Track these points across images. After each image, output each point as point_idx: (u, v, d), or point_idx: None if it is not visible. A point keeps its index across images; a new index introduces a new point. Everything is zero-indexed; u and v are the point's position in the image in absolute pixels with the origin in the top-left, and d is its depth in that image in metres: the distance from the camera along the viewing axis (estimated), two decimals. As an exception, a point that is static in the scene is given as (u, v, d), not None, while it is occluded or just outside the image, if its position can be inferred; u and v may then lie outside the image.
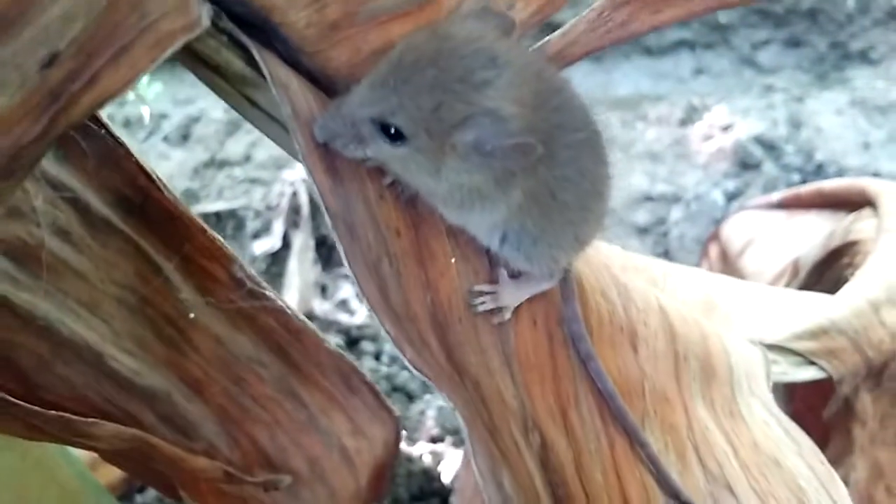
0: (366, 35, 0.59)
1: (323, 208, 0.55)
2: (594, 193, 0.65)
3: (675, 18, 0.74)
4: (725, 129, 2.73)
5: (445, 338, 0.60)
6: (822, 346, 1.01)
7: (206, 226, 0.76)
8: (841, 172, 2.55)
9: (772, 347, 0.96)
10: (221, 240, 0.77)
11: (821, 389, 1.10)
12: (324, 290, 2.44)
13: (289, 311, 0.87)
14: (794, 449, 0.79)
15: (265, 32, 0.55)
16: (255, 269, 2.60)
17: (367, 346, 2.23)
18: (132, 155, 0.70)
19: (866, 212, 1.47)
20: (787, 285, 1.57)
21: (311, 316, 2.29)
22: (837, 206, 1.64)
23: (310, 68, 0.58)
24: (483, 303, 0.64)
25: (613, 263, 0.77)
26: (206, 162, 2.84)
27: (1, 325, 0.65)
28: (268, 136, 0.62)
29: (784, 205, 1.84)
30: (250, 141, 2.85)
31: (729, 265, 1.86)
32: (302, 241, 2.52)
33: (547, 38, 0.74)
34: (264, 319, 0.87)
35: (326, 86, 0.59)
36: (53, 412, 0.68)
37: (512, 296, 0.66)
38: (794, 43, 3.10)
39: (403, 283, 0.58)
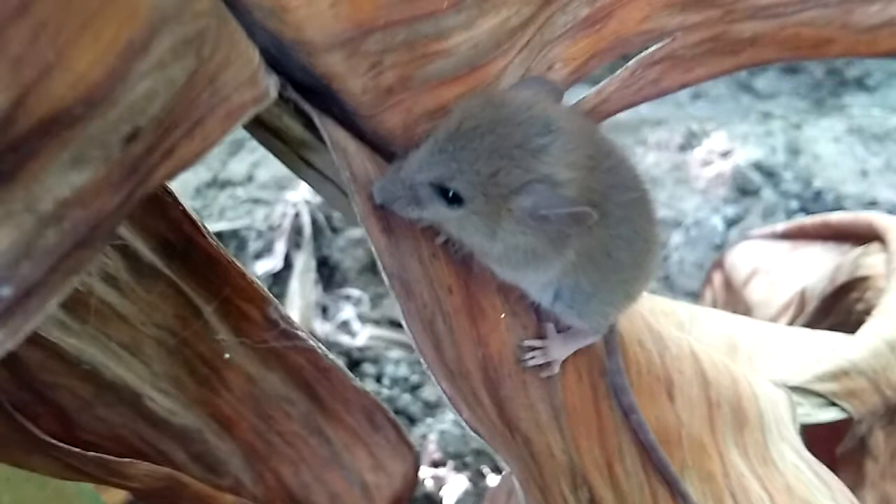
0: (418, 98, 0.59)
1: (380, 268, 0.55)
2: (646, 251, 0.66)
3: (705, 77, 0.76)
4: (724, 154, 2.75)
5: (497, 393, 0.60)
6: (843, 387, 1.01)
7: (243, 269, 0.76)
8: (839, 200, 2.58)
9: (795, 389, 0.97)
10: (254, 279, 0.77)
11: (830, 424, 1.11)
12: (325, 311, 2.43)
13: (319, 350, 0.87)
14: (827, 493, 0.79)
15: (324, 98, 0.56)
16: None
17: (368, 368, 2.23)
18: (178, 202, 0.70)
19: (874, 246, 1.48)
20: (794, 317, 1.58)
21: (311, 337, 2.28)
22: (843, 239, 1.65)
23: (364, 130, 0.59)
24: (532, 357, 0.65)
25: (644, 308, 0.77)
26: (209, 181, 2.84)
27: (50, 370, 0.64)
28: (321, 195, 0.63)
29: (788, 236, 1.84)
30: (253, 161, 2.84)
31: (733, 294, 1.86)
32: (304, 262, 2.51)
33: (582, 96, 0.75)
34: (294, 358, 0.87)
35: (379, 147, 0.60)
36: (92, 453, 0.67)
37: (560, 350, 0.67)
38: (790, 69, 3.14)
39: (456, 339, 0.58)
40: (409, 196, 0.58)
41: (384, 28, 0.54)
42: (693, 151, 2.79)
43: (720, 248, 2.39)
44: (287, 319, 0.83)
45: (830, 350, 1.05)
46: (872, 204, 2.61)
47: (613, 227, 0.62)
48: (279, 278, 2.49)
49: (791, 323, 1.58)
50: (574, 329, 0.68)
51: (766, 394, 0.85)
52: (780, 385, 0.94)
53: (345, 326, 2.41)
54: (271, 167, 2.78)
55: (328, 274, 2.54)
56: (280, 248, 2.60)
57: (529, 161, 0.57)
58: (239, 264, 0.77)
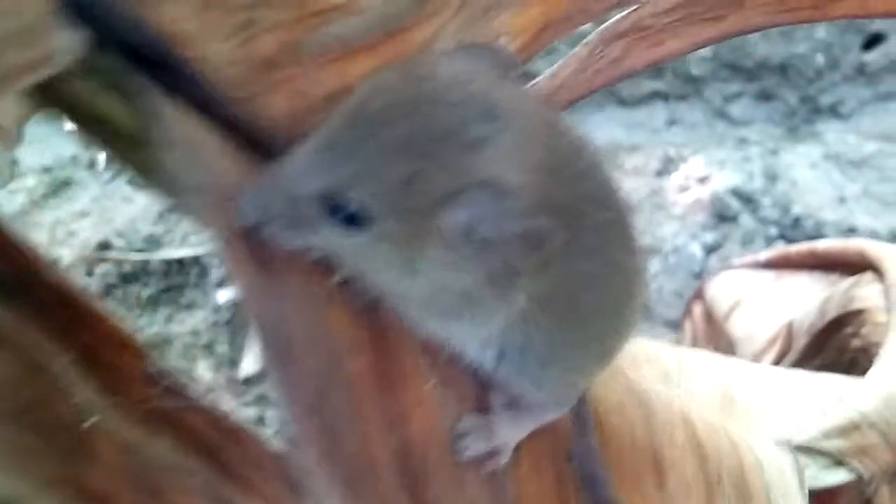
0: (315, 76, 0.41)
1: (248, 316, 0.36)
2: (626, 293, 0.47)
3: (677, 52, 0.59)
4: (702, 180, 2.65)
5: (420, 494, 0.41)
6: (853, 444, 0.84)
7: (107, 312, 0.57)
8: (818, 226, 2.48)
9: (800, 448, 0.79)
10: (129, 330, 0.58)
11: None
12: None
13: (218, 411, 0.68)
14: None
15: (170, 72, 0.37)
16: (218, 318, 2.41)
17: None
18: (5, 230, 0.52)
19: (868, 276, 1.35)
20: (782, 353, 1.44)
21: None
22: (831, 268, 1.52)
23: (234, 122, 0.40)
24: (472, 443, 0.45)
25: (624, 357, 0.59)
26: (172, 206, 2.66)
27: None
28: (185, 214, 0.44)
29: (772, 265, 1.72)
30: (217, 185, 2.67)
31: (715, 328, 1.73)
32: (268, 291, 2.32)
33: (533, 81, 0.57)
34: (190, 420, 0.68)
35: (259, 146, 0.41)
36: None
37: (510, 431, 0.47)
38: (765, 97, 3.05)
39: (361, 420, 0.39)
40: (289, 215, 0.39)
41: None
42: (670, 177, 2.69)
43: (699, 275, 2.27)
44: (170, 374, 0.64)
45: (836, 400, 0.87)
46: (851, 230, 2.54)
47: (581, 260, 0.43)
48: (242, 307, 2.31)
49: (779, 359, 1.45)
50: (529, 402, 0.48)
51: (770, 460, 0.67)
52: (784, 444, 0.76)
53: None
54: (236, 192, 2.60)
55: (293, 303, 2.35)
56: (243, 276, 2.40)
57: (464, 159, 0.38)
58: (100, 305, 0.58)
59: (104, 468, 0.65)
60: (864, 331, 1.27)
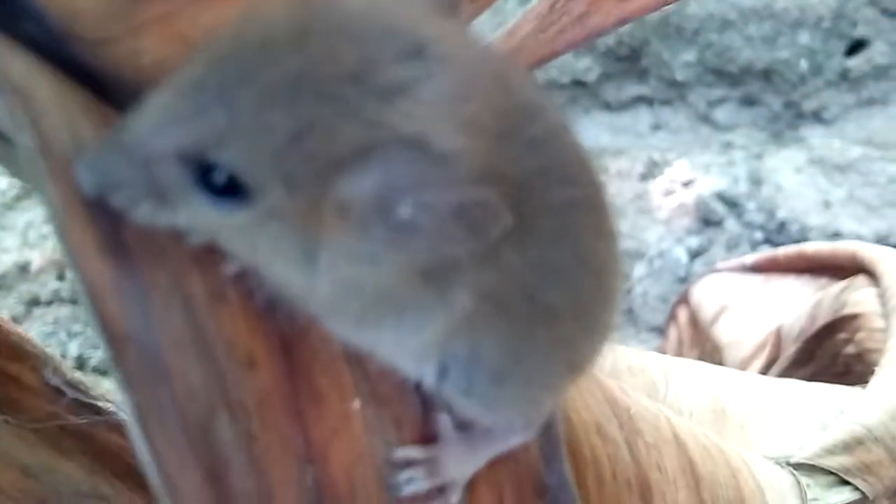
0: (197, 12, 0.30)
1: (95, 322, 0.26)
2: (598, 292, 0.36)
3: (648, 7, 0.49)
4: (686, 184, 2.60)
5: None
6: (857, 460, 0.75)
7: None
8: (803, 231, 2.43)
9: (800, 466, 0.69)
10: (24, 334, 0.48)
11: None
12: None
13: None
14: None
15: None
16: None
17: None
18: None
19: (860, 280, 1.27)
20: (770, 359, 1.37)
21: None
22: (820, 272, 1.45)
23: (93, 71, 0.30)
24: (411, 479, 0.35)
25: (604, 368, 0.48)
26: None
27: None
28: (21, 181, 0.33)
29: (759, 268, 1.65)
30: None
31: (700, 332, 1.66)
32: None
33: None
34: (105, 437, 0.57)
35: (118, 99, 0.30)
36: None
37: (462, 464, 0.37)
38: (748, 102, 3.01)
39: (260, 455, 0.29)
40: (142, 181, 0.28)
41: None
42: (655, 181, 2.64)
43: (684, 280, 2.21)
44: (78, 385, 0.53)
45: (837, 412, 0.78)
46: (836, 235, 2.51)
47: (539, 247, 0.33)
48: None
49: (767, 366, 1.38)
50: (486, 425, 0.38)
51: (771, 483, 0.58)
52: (784, 464, 0.66)
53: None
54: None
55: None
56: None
57: (375, 107, 0.28)
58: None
59: (3, 497, 0.55)
60: (858, 336, 1.19)
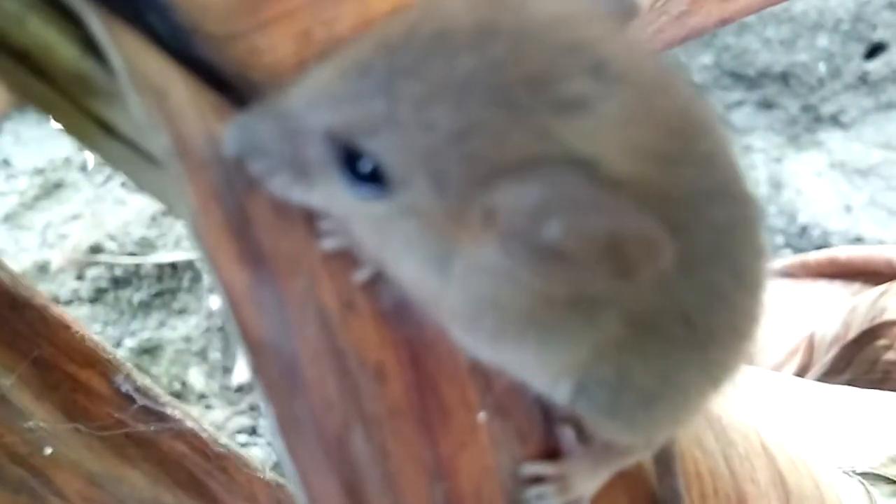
0: (328, 9, 0.29)
1: (236, 330, 0.25)
2: (752, 311, 0.35)
3: (752, 7, 0.49)
4: None
5: None
6: (919, 469, 0.74)
7: (70, 320, 0.46)
8: (825, 236, 2.42)
9: (865, 476, 0.68)
10: (97, 339, 0.47)
11: None
12: (285, 350, 2.17)
13: (204, 433, 0.57)
14: None
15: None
16: (211, 324, 2.31)
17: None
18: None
19: None
20: (804, 365, 1.36)
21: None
22: (853, 278, 1.44)
23: (219, 69, 0.29)
24: (542, 495, 0.34)
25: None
26: (166, 209, 2.58)
27: None
28: (140, 188, 0.32)
29: (790, 273, 1.63)
30: (213, 188, 2.59)
31: None
32: (263, 296, 2.24)
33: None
34: (168, 445, 0.57)
35: (245, 103, 0.29)
36: None
37: (588, 479, 0.36)
38: (766, 105, 3.00)
39: (394, 470, 0.28)
40: (287, 153, 0.28)
41: None
42: None
43: None
44: (147, 391, 0.53)
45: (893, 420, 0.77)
46: (858, 239, 2.49)
47: (702, 269, 0.32)
48: (228, 321, 2.24)
49: (801, 372, 1.37)
50: (611, 442, 0.37)
51: (848, 494, 0.56)
52: (851, 474, 0.65)
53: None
54: (232, 195, 2.53)
55: (289, 309, 2.26)
56: (238, 280, 2.32)
57: (551, 120, 0.27)
58: (66, 314, 0.47)
59: (65, 504, 0.54)
60: (899, 343, 1.19)
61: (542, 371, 0.34)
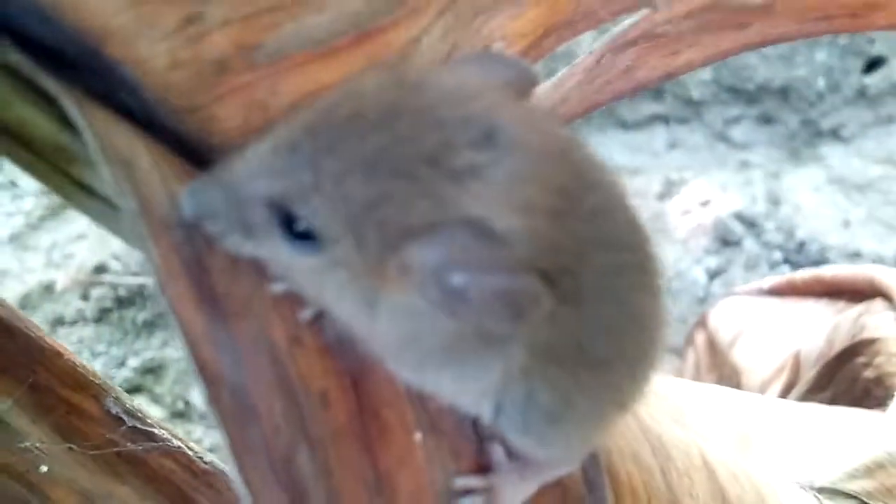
0: (275, 83, 0.35)
1: (193, 367, 0.30)
2: (644, 344, 0.40)
3: (696, 63, 0.53)
4: (704, 204, 2.60)
5: None
6: (879, 484, 0.77)
7: (62, 348, 0.50)
8: (823, 251, 2.43)
9: (823, 490, 0.72)
10: (85, 364, 0.52)
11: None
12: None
13: (191, 451, 0.61)
14: None
15: (97, 75, 0.31)
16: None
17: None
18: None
19: (878, 304, 1.29)
20: (789, 383, 1.38)
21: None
22: (838, 296, 1.47)
23: (178, 134, 0.34)
24: None
25: (638, 410, 0.52)
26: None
27: None
28: (123, 240, 0.37)
29: (777, 292, 1.66)
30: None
31: (718, 357, 1.67)
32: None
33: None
34: (158, 462, 0.61)
35: (207, 163, 0.34)
36: None
37: (515, 491, 0.41)
38: (765, 120, 3.02)
39: (337, 486, 0.33)
40: (234, 217, 0.34)
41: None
42: (672, 200, 2.64)
43: (703, 300, 2.21)
44: (135, 413, 0.57)
45: (859, 437, 0.80)
46: (856, 255, 2.50)
47: (591, 306, 0.37)
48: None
49: (786, 390, 1.39)
50: (535, 457, 0.42)
51: (793, 509, 0.60)
52: (808, 488, 0.69)
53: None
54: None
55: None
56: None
57: (447, 188, 0.32)
58: (55, 341, 0.52)
59: (62, 520, 0.59)
60: (877, 361, 1.21)
61: (464, 394, 0.39)
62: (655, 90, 2.87)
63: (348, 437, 0.35)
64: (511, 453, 0.42)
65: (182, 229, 0.31)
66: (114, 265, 2.28)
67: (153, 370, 2.10)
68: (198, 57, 0.32)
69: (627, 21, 0.50)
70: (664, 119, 2.99)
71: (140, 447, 0.59)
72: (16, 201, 2.46)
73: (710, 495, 0.50)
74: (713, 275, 2.35)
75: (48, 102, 0.31)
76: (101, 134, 0.30)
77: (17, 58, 0.29)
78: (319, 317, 0.37)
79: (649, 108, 2.94)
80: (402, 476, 0.37)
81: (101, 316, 2.12)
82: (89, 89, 0.31)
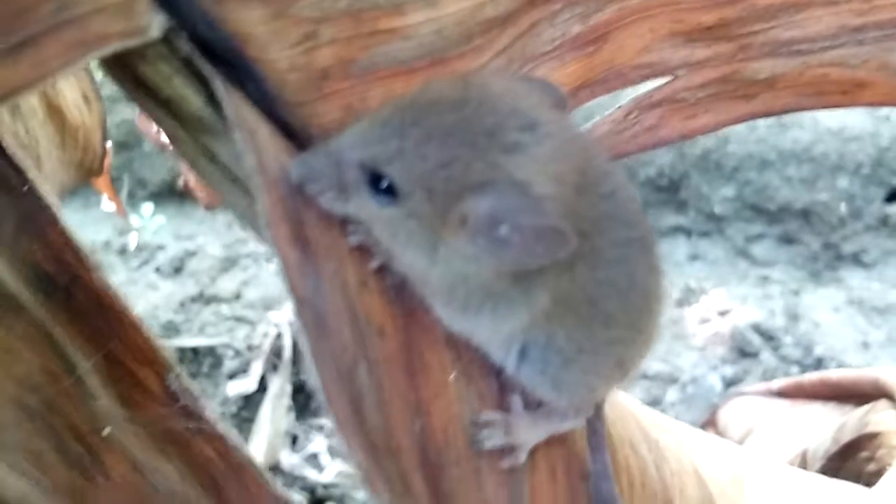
0: (363, 91, 0.46)
1: (288, 290, 0.39)
2: (644, 308, 0.50)
3: (711, 127, 0.63)
4: (723, 314, 2.64)
5: (437, 483, 0.43)
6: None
7: (140, 322, 0.59)
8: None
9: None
10: (159, 340, 0.60)
11: None
12: (294, 441, 2.25)
13: (229, 442, 0.68)
14: None
15: (236, 68, 0.42)
16: (226, 410, 2.38)
17: (331, 508, 2.02)
18: (59, 223, 0.55)
19: (882, 403, 1.34)
20: None
21: (276, 468, 2.06)
22: (845, 398, 1.51)
23: (289, 123, 0.45)
24: (490, 437, 0.47)
25: (638, 414, 0.60)
26: (195, 296, 2.72)
27: None
28: (228, 205, 0.48)
29: (785, 394, 1.70)
30: (243, 279, 2.75)
31: None
32: (279, 386, 2.34)
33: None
34: (200, 447, 0.68)
35: (305, 146, 0.46)
36: None
37: (528, 432, 0.49)
38: (787, 240, 3.08)
39: (385, 400, 0.41)
40: (333, 178, 0.44)
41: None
42: (690, 307, 2.69)
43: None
44: (191, 394, 0.65)
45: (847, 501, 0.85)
46: None
47: (603, 268, 0.47)
48: (251, 401, 2.32)
49: (794, 487, 1.41)
50: (548, 407, 0.51)
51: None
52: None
53: (313, 459, 2.21)
54: (261, 286, 2.67)
55: (303, 401, 2.36)
56: (256, 369, 2.44)
57: (499, 156, 0.42)
58: (134, 315, 0.61)
59: (111, 487, 0.66)
60: (879, 454, 1.25)
61: (495, 337, 0.49)
62: (678, 202, 2.96)
63: (397, 364, 0.44)
64: (527, 404, 0.50)
65: (287, 186, 0.42)
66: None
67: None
68: (309, 64, 0.43)
69: (653, 84, 0.60)
70: (686, 231, 3.05)
71: (189, 427, 0.66)
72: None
73: (699, 501, 0.57)
74: (729, 383, 2.37)
75: (201, 84, 0.42)
76: (237, 108, 0.41)
77: (187, 48, 0.40)
78: (383, 268, 0.47)
79: (671, 219, 3.01)
80: (437, 405, 0.45)
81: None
82: (231, 77, 0.41)
